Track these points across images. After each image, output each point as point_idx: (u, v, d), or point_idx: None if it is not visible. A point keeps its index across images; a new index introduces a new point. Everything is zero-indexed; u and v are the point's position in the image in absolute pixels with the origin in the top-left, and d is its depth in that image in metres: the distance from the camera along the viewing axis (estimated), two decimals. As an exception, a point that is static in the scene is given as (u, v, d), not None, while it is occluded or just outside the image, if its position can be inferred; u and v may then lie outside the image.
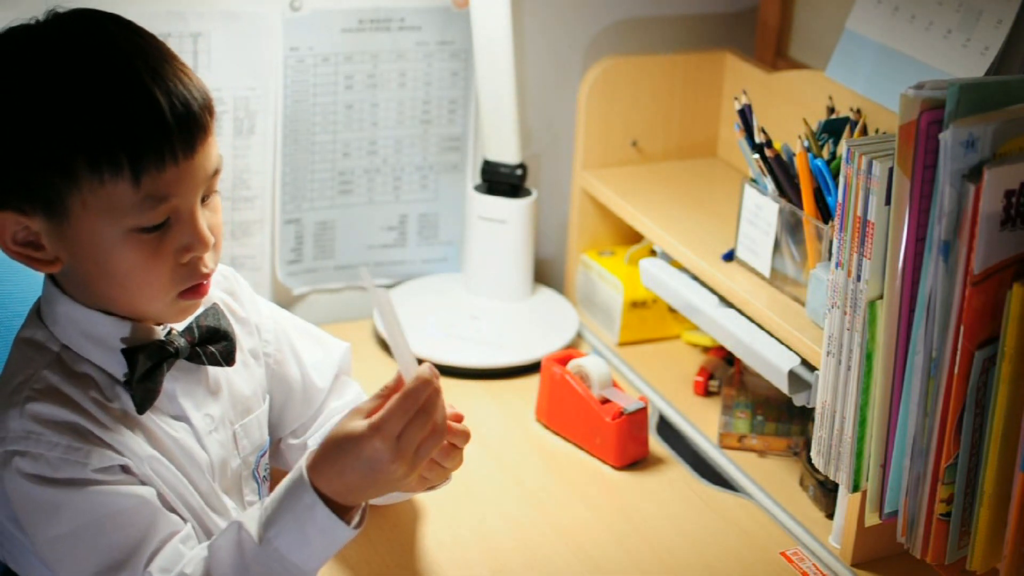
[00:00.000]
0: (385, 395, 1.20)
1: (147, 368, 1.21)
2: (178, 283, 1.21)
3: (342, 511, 1.18)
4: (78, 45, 1.16)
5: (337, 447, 1.18)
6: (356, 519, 1.20)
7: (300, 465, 1.19)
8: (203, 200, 1.20)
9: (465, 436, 1.29)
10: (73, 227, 1.17)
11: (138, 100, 1.14)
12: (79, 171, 1.14)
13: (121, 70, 1.15)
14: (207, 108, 1.19)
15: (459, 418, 1.28)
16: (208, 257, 1.21)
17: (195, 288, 1.22)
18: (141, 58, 1.16)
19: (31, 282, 1.40)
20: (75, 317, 1.22)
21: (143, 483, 1.21)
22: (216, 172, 1.21)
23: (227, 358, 1.28)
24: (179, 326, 1.26)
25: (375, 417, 1.17)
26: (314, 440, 1.42)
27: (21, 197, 1.17)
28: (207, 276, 1.23)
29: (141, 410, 1.22)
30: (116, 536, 1.17)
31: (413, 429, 1.17)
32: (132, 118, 1.14)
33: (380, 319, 1.18)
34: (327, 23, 1.82)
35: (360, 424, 1.18)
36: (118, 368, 1.22)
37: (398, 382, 1.21)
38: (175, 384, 1.26)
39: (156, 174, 1.15)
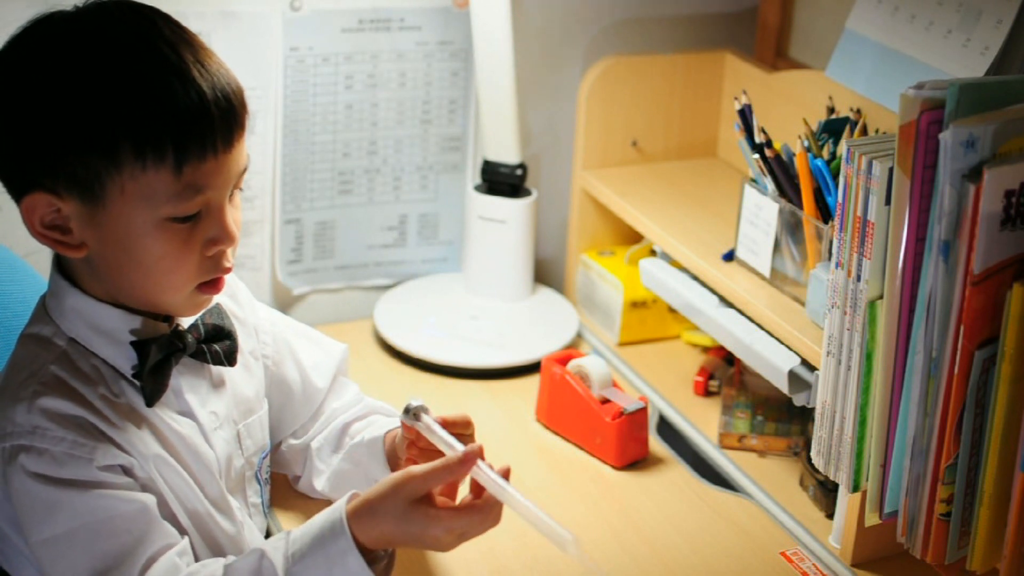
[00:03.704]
0: (444, 471, 1.19)
1: (157, 360, 1.22)
2: (201, 275, 1.22)
3: (370, 557, 1.18)
4: (127, 32, 1.17)
5: (395, 520, 1.17)
6: (383, 565, 1.20)
7: (340, 508, 1.18)
8: (229, 196, 1.21)
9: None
10: (107, 212, 1.17)
11: (187, 91, 1.15)
12: (123, 156, 1.15)
13: (170, 60, 1.16)
14: (243, 103, 1.20)
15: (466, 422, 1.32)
16: (230, 252, 1.23)
17: (214, 282, 1.23)
18: (188, 49, 1.17)
19: (32, 282, 1.41)
20: (83, 310, 1.22)
21: (145, 488, 1.21)
22: (244, 169, 1.22)
23: (229, 357, 1.28)
24: (184, 323, 1.27)
25: (448, 516, 1.18)
26: (317, 442, 1.42)
27: (58, 179, 1.17)
28: (228, 271, 1.24)
29: (150, 402, 1.22)
30: (112, 541, 1.17)
31: (479, 527, 1.21)
32: (181, 108, 1.15)
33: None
34: (327, 23, 1.82)
35: (427, 512, 1.18)
36: (125, 363, 1.22)
37: (463, 460, 1.20)
38: (180, 380, 1.26)
39: (197, 164, 1.16)
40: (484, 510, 1.20)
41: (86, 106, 1.15)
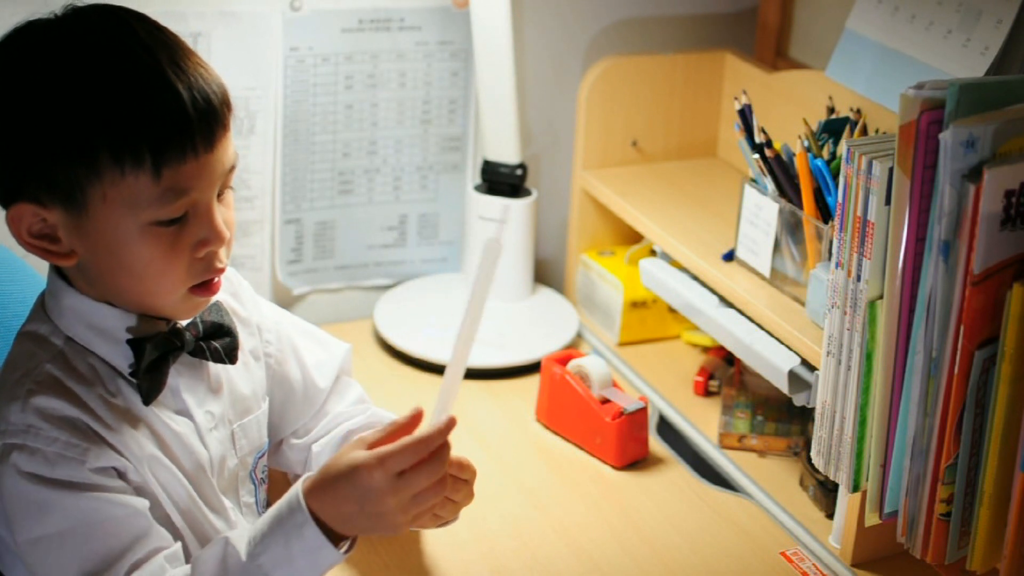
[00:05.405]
0: (393, 431, 1.19)
1: (154, 358, 1.21)
2: (192, 277, 1.21)
3: (333, 538, 1.17)
4: (102, 38, 1.17)
5: (338, 474, 1.17)
6: (345, 546, 1.19)
7: (296, 487, 1.19)
8: (218, 195, 1.21)
9: (472, 472, 1.30)
10: (91, 220, 1.17)
11: (161, 93, 1.15)
12: (101, 163, 1.14)
13: (145, 64, 1.16)
14: (225, 103, 1.20)
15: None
16: (222, 252, 1.22)
17: (207, 284, 1.23)
18: (164, 52, 1.17)
19: (31, 282, 1.40)
20: (81, 309, 1.22)
21: (138, 490, 1.20)
22: (232, 168, 1.22)
23: (230, 355, 1.28)
24: (183, 320, 1.27)
25: (382, 449, 1.17)
26: (319, 446, 1.42)
27: (40, 189, 1.17)
28: (221, 271, 1.23)
29: (147, 401, 1.22)
30: (102, 543, 1.16)
31: (419, 474, 1.17)
32: (155, 111, 1.14)
33: (472, 303, 1.16)
34: (327, 23, 1.82)
35: (364, 453, 1.17)
36: (123, 361, 1.22)
37: (410, 420, 1.19)
38: (178, 379, 1.26)
39: (177, 167, 1.15)
40: (422, 440, 1.16)
41: (61, 114, 1.14)
